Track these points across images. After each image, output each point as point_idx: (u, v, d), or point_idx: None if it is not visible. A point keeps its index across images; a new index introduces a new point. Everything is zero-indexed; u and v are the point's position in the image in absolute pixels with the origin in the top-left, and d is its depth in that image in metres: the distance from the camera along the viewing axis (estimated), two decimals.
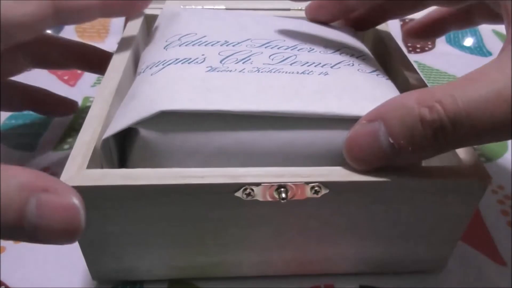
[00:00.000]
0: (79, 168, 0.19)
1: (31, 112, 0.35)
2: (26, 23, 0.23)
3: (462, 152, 0.21)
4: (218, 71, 0.21)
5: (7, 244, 0.25)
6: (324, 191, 0.19)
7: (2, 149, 0.32)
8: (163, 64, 0.22)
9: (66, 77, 0.40)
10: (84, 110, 0.36)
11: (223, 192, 0.19)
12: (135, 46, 0.28)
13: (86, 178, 0.18)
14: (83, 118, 0.36)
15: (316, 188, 0.19)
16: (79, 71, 0.41)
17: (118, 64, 0.25)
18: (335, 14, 0.29)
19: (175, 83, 0.21)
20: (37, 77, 0.39)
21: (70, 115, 0.35)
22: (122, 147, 0.23)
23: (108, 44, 0.44)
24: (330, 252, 0.22)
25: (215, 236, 0.21)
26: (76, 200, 0.17)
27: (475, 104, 0.16)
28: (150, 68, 0.22)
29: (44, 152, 0.32)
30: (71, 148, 0.32)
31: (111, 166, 0.22)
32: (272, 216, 0.20)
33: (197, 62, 0.22)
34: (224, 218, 0.20)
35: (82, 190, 0.17)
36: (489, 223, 0.28)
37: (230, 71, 0.22)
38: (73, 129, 0.34)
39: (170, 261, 0.22)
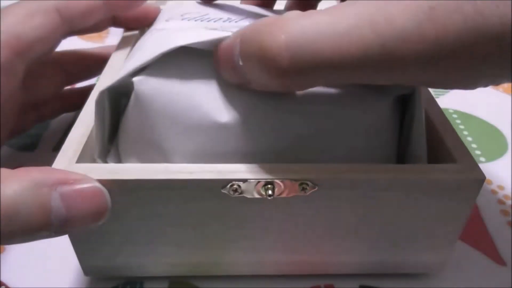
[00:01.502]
0: (69, 163, 0.19)
1: None
2: (38, 36, 0.24)
3: (456, 152, 0.20)
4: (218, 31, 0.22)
5: None
6: (312, 189, 0.18)
7: (2, 149, 0.32)
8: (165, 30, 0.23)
9: None
10: None
11: (211, 188, 0.18)
12: (134, 45, 0.28)
13: (76, 171, 0.18)
14: None
15: (304, 185, 0.18)
16: None
17: (116, 63, 0.26)
18: None
19: (180, 31, 0.21)
20: None
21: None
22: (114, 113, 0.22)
23: (108, 44, 0.44)
24: (324, 252, 0.22)
25: (204, 233, 0.21)
26: (97, 183, 0.17)
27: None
28: (151, 32, 0.23)
29: (44, 152, 0.32)
30: None
31: (102, 125, 0.21)
32: (261, 214, 0.20)
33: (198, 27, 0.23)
34: (213, 215, 0.20)
35: None
36: (488, 223, 0.28)
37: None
38: None
39: (161, 258, 0.22)
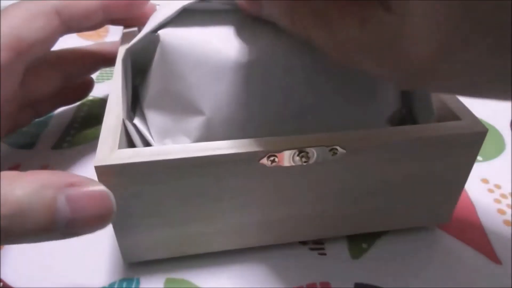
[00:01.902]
0: (111, 151, 0.20)
1: None
2: (38, 37, 0.24)
3: (459, 111, 0.23)
4: None
5: None
6: (341, 152, 0.21)
7: (2, 147, 0.32)
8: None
9: None
10: (86, 103, 0.37)
11: (249, 161, 0.20)
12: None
13: (120, 157, 0.19)
14: (82, 117, 0.36)
15: (334, 150, 0.20)
16: None
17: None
18: None
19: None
20: None
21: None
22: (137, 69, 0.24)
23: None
24: (346, 211, 0.24)
25: (242, 205, 0.22)
26: (103, 186, 0.17)
27: None
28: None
29: (43, 150, 0.32)
30: (70, 146, 0.32)
31: (127, 85, 0.23)
32: (295, 180, 0.21)
33: None
34: (250, 186, 0.21)
35: (117, 169, 0.19)
36: (485, 222, 0.28)
37: None
38: (72, 127, 0.34)
39: (199, 235, 0.23)
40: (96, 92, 0.38)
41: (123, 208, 0.20)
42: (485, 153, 0.34)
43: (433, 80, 0.15)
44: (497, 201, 0.29)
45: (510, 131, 0.36)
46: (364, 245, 0.26)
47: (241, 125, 0.21)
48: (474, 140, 0.22)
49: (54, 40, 0.26)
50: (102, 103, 0.37)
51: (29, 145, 0.32)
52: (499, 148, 0.34)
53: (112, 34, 0.46)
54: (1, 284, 0.23)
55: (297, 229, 0.24)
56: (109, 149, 0.20)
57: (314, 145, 0.20)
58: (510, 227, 0.27)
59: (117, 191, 0.19)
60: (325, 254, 0.25)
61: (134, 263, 0.24)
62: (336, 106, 0.22)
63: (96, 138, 0.33)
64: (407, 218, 0.25)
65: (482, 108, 0.38)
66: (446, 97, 0.24)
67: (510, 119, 0.37)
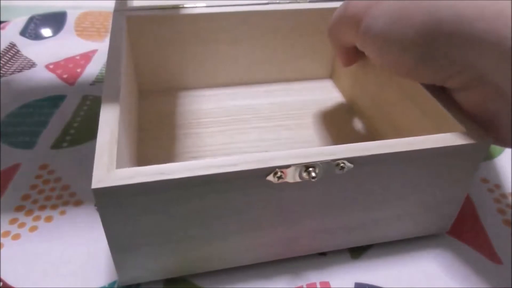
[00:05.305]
0: (108, 170, 0.18)
1: (30, 110, 0.36)
2: None
3: (463, 121, 0.23)
4: None
5: (6, 241, 0.25)
6: (348, 167, 0.20)
7: (2, 147, 0.32)
8: None
9: (65, 76, 0.40)
10: (85, 103, 0.37)
11: (255, 178, 0.19)
12: (125, 45, 0.29)
13: (118, 178, 0.18)
14: (82, 116, 0.36)
15: (342, 164, 0.20)
16: (78, 70, 0.41)
17: (115, 65, 0.26)
18: None
19: None
20: (37, 75, 0.40)
21: None
22: None
23: (108, 43, 0.44)
24: (351, 223, 0.24)
25: (246, 220, 0.21)
26: None
27: None
28: None
29: (42, 149, 0.32)
30: (69, 145, 0.32)
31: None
32: (300, 196, 0.21)
33: None
34: (256, 202, 0.21)
35: (115, 190, 0.18)
36: (485, 221, 0.28)
37: None
38: (72, 127, 0.34)
39: (206, 252, 0.22)
40: (96, 91, 0.38)
41: (121, 228, 0.19)
42: None
43: None
44: (497, 201, 0.29)
45: None
46: (364, 245, 0.26)
47: None
48: (477, 149, 0.22)
49: None
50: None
51: (29, 144, 0.32)
52: (499, 148, 0.34)
53: None
54: (1, 284, 0.23)
55: (301, 243, 0.24)
56: (105, 169, 0.18)
57: (320, 159, 0.20)
58: (510, 227, 0.27)
59: (116, 211, 0.19)
60: (325, 254, 0.25)
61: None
62: None
63: (95, 137, 0.33)
64: (410, 229, 0.25)
65: None
66: (448, 107, 0.24)
67: None
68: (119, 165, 0.19)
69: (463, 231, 0.27)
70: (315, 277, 0.24)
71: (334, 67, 0.39)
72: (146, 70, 0.35)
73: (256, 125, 0.33)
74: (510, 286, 0.24)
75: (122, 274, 0.22)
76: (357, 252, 0.25)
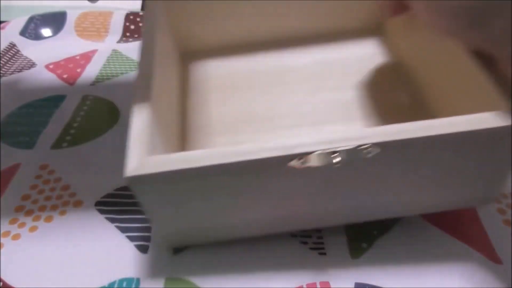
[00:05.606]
0: (142, 157, 0.20)
1: (30, 110, 0.36)
2: None
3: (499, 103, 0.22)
4: None
5: (6, 241, 0.25)
6: (374, 151, 0.20)
7: (2, 147, 0.32)
8: None
9: (65, 76, 0.40)
10: (86, 103, 0.37)
11: (280, 164, 0.20)
12: (158, 31, 0.28)
13: (151, 165, 0.19)
14: (82, 116, 0.36)
15: (369, 149, 0.20)
16: (78, 70, 0.41)
17: (149, 51, 0.26)
18: None
19: None
20: (37, 75, 0.40)
21: None
22: None
23: (108, 43, 0.44)
24: (383, 199, 0.24)
25: (274, 201, 0.22)
26: None
27: None
28: None
29: (42, 149, 0.32)
30: (69, 145, 0.32)
31: None
32: (324, 179, 0.21)
33: None
34: (280, 186, 0.21)
35: (148, 177, 0.19)
36: (485, 221, 0.28)
37: None
38: (72, 127, 0.34)
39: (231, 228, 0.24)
40: (96, 91, 0.38)
41: (158, 199, 0.21)
42: None
43: None
44: (497, 201, 0.29)
45: None
46: (364, 245, 0.26)
47: None
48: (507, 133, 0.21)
49: None
50: (102, 102, 0.37)
51: (29, 144, 0.32)
52: None
53: (112, 34, 0.46)
54: (1, 284, 0.23)
55: (319, 217, 0.24)
56: (139, 156, 0.19)
57: (345, 144, 0.20)
58: (510, 227, 0.27)
59: (148, 194, 0.20)
60: (325, 254, 0.25)
61: (134, 263, 0.24)
62: None
63: (95, 137, 0.33)
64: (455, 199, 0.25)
65: None
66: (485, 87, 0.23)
67: None
68: (151, 152, 0.20)
69: (463, 231, 0.27)
70: (315, 277, 0.24)
71: (383, 21, 0.36)
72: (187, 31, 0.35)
73: (298, 87, 0.33)
74: (510, 286, 0.24)
75: (162, 235, 0.24)
76: (357, 252, 0.25)
